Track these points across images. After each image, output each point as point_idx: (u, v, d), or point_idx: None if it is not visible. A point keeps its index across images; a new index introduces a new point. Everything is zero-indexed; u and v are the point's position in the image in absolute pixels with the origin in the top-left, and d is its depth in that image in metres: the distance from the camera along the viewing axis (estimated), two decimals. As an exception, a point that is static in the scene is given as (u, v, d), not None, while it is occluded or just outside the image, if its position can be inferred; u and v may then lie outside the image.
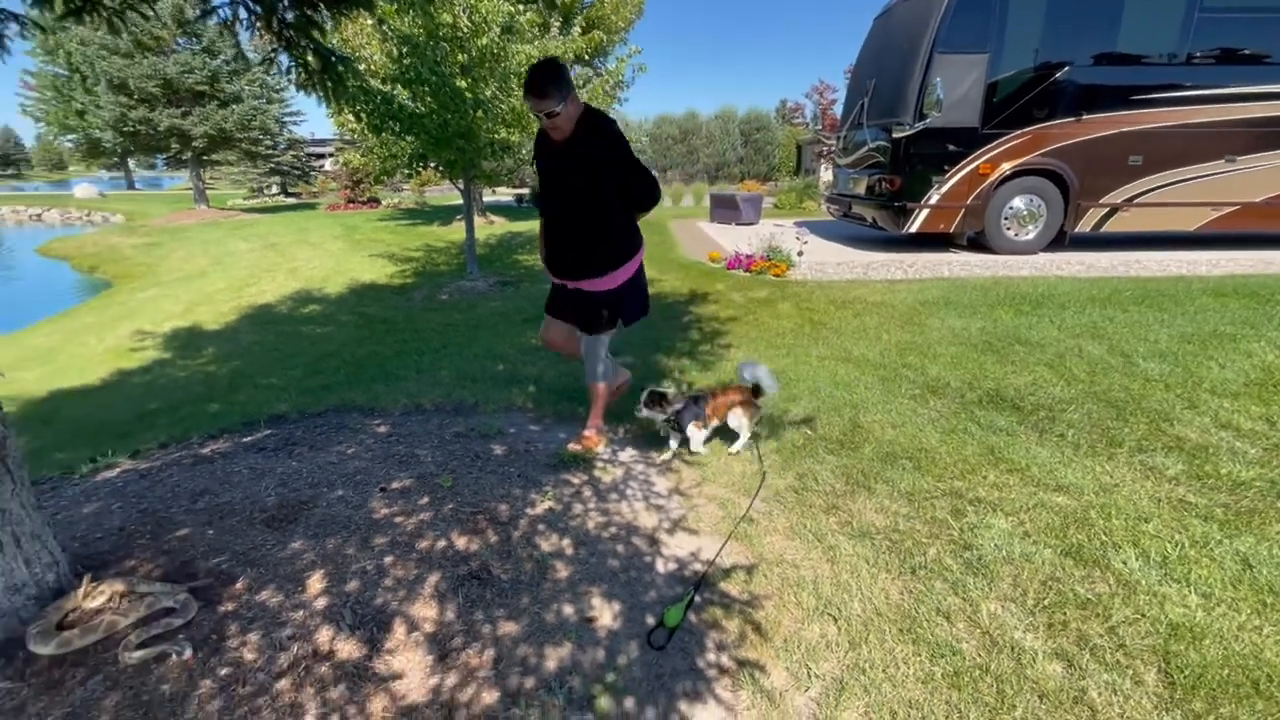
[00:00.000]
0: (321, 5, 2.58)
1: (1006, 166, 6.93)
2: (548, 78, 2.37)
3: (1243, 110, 6.72)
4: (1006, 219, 7.26)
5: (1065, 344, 4.08)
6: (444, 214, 17.62)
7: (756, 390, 2.84)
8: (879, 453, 2.78)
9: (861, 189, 8.04)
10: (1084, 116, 6.77)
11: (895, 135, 7.04)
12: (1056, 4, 6.69)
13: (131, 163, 32.87)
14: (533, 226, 14.29)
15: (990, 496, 2.40)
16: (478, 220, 9.85)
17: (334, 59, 2.82)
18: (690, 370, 4.04)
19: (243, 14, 2.56)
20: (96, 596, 1.61)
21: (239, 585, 1.80)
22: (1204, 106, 6.72)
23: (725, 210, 12.29)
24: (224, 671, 1.53)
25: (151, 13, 2.40)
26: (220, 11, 2.53)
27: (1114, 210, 7.12)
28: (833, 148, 12.96)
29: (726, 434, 2.91)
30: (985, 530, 2.18)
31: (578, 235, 2.61)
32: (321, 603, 1.77)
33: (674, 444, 2.84)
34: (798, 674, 1.65)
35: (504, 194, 22.92)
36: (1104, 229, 7.23)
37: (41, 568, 1.60)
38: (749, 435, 2.85)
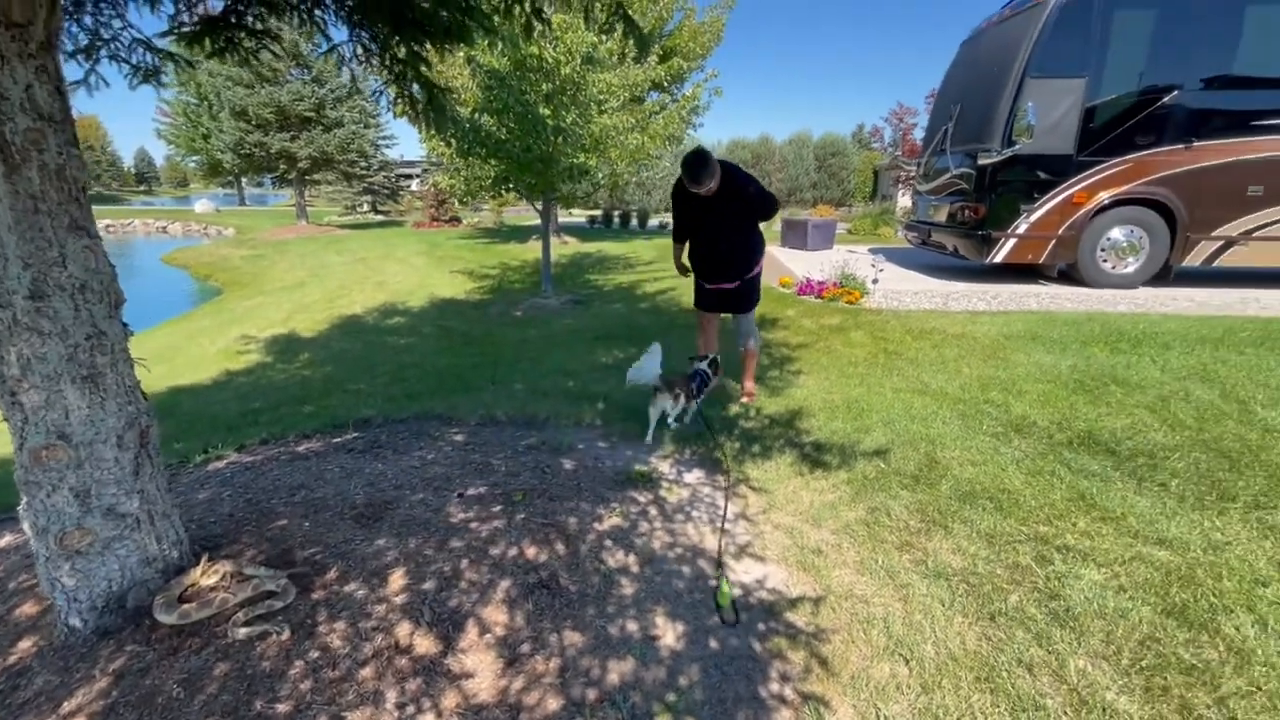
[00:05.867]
0: (427, 41, 2.81)
1: (1104, 196, 6.53)
2: (705, 172, 3.23)
3: None
4: (1103, 251, 6.83)
5: (1169, 386, 3.78)
6: (520, 234, 18.28)
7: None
8: (957, 491, 2.67)
9: (942, 216, 7.77)
10: (1194, 144, 6.32)
11: (981, 162, 6.78)
12: (1165, 25, 6.32)
13: (243, 181, 36.03)
14: (602, 247, 14.65)
15: (1080, 545, 2.26)
16: (552, 240, 10.22)
17: (436, 90, 3.06)
18: (759, 396, 4.01)
19: (360, 50, 2.83)
20: (211, 575, 1.77)
21: (330, 575, 1.94)
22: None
23: (796, 236, 12.15)
24: (314, 655, 1.65)
25: (281, 50, 2.67)
26: (341, 48, 2.80)
27: (1229, 244, 6.56)
28: (912, 174, 12.60)
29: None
30: (1074, 580, 2.05)
31: (738, 247, 3.62)
32: (402, 599, 1.87)
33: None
34: (865, 713, 1.61)
35: (578, 214, 23.57)
36: (1218, 263, 6.67)
37: (168, 545, 1.78)
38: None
